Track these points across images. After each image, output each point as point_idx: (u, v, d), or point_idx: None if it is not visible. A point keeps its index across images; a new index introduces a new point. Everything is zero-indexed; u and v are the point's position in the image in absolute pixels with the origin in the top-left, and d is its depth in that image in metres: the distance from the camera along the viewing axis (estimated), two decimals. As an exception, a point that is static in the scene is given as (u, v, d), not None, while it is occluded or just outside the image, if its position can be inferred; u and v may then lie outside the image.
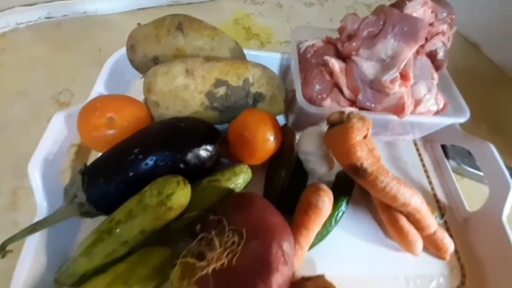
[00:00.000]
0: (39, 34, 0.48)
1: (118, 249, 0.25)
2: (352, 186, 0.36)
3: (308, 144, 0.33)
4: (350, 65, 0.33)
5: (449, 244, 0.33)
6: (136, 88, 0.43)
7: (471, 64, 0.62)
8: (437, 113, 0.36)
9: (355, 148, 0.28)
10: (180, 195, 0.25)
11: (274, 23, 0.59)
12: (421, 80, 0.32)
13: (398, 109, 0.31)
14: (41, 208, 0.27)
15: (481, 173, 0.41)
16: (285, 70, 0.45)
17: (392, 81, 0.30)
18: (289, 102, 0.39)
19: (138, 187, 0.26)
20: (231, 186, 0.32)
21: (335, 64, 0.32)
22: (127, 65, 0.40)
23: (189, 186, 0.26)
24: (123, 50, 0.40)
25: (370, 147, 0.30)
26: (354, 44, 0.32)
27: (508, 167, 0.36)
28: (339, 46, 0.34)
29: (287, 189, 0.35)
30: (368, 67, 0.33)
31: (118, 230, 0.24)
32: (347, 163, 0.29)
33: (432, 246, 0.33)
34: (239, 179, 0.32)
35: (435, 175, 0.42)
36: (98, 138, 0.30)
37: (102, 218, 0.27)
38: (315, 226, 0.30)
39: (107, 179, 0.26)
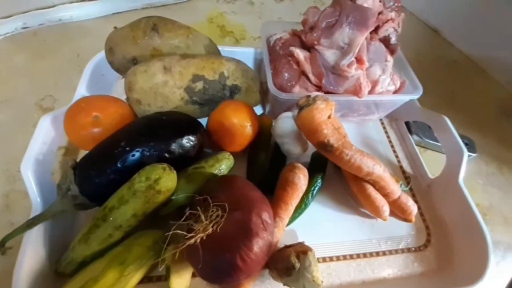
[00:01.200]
0: (17, 44, 0.48)
1: (113, 233, 0.27)
2: (326, 164, 0.39)
3: (282, 128, 0.36)
4: (313, 54, 0.37)
5: (412, 207, 0.37)
6: (117, 89, 0.45)
7: (431, 47, 0.67)
8: (395, 92, 0.40)
9: (321, 126, 0.32)
10: (167, 179, 0.27)
11: (247, 20, 0.62)
12: (375, 63, 0.36)
13: (357, 89, 0.35)
14: (36, 205, 0.29)
15: (437, 143, 0.45)
16: (259, 63, 0.48)
17: (349, 65, 0.34)
18: (264, 92, 0.43)
19: (127, 177, 0.28)
20: (215, 171, 0.35)
21: (300, 54, 0.35)
22: (106, 67, 0.42)
23: (174, 171, 0.29)
24: (101, 54, 0.42)
25: (335, 125, 0.34)
26: (315, 35, 0.36)
27: (462, 136, 0.41)
28: (303, 37, 0.37)
29: (268, 171, 0.38)
30: (329, 55, 0.37)
31: (112, 216, 0.26)
32: (316, 141, 0.33)
33: (398, 210, 0.37)
34: (222, 165, 0.35)
35: (401, 149, 0.47)
36: (85, 137, 0.32)
37: (95, 211, 0.30)
38: (293, 200, 0.34)
39: (97, 171, 0.28)
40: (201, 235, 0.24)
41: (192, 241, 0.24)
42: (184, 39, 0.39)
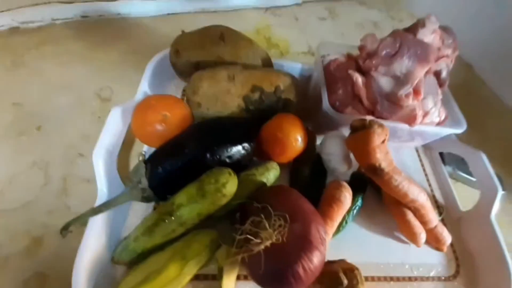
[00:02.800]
0: (76, 31, 0.51)
1: (177, 229, 0.28)
2: (366, 185, 0.41)
3: (331, 146, 0.37)
4: (369, 80, 0.38)
5: (447, 237, 0.38)
6: (171, 88, 0.47)
7: (464, 81, 0.69)
8: (438, 124, 0.42)
9: (375, 150, 0.33)
10: (232, 184, 0.29)
11: (291, 34, 0.64)
12: (429, 95, 0.38)
13: (410, 119, 0.36)
14: (102, 193, 0.30)
15: (472, 178, 0.47)
16: (306, 79, 0.50)
17: (407, 96, 0.35)
18: (310, 108, 0.44)
19: (191, 177, 0.30)
20: (264, 180, 0.36)
21: (359, 78, 0.37)
22: (164, 67, 0.44)
23: (236, 177, 0.30)
24: (162, 53, 0.44)
25: (386, 150, 0.36)
26: (374, 62, 0.37)
27: (495, 174, 0.43)
28: (360, 62, 0.39)
29: (309, 184, 0.40)
30: (384, 82, 0.38)
31: (178, 213, 0.28)
32: (367, 163, 0.34)
33: (433, 239, 0.38)
34: (270, 174, 0.37)
35: (434, 179, 0.48)
36: (151, 133, 0.33)
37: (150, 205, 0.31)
38: (338, 217, 0.35)
39: (167, 168, 0.30)
40: (268, 242, 0.25)
41: (259, 247, 0.25)
42: (245, 50, 0.41)
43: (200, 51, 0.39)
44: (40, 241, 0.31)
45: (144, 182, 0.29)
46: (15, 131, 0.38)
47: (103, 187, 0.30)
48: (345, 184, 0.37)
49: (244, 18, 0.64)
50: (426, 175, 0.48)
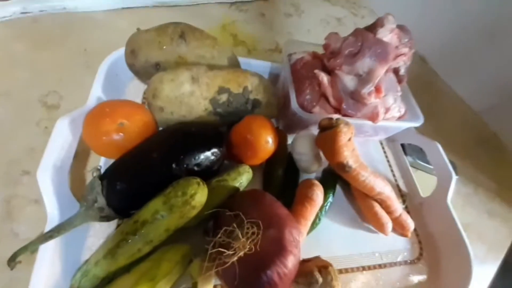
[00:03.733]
0: (15, 30, 0.44)
1: (143, 248, 0.26)
2: (336, 181, 0.42)
3: (302, 145, 0.38)
4: (334, 78, 0.39)
5: (411, 224, 0.41)
6: (130, 91, 0.43)
7: (418, 74, 0.74)
8: (399, 118, 0.44)
9: (342, 148, 0.34)
10: (201, 194, 0.27)
11: (258, 31, 0.63)
12: (389, 92, 0.39)
13: (373, 116, 0.38)
14: (52, 215, 0.27)
15: (430, 166, 0.51)
16: (274, 78, 0.49)
17: (369, 94, 0.36)
18: (279, 107, 0.44)
19: (156, 190, 0.28)
20: (237, 184, 0.35)
21: (325, 78, 0.37)
22: (121, 68, 0.40)
23: (206, 186, 0.29)
24: (117, 53, 0.40)
25: (352, 147, 0.37)
26: (338, 61, 0.38)
27: (450, 161, 0.47)
28: (325, 61, 0.40)
29: (282, 184, 0.40)
30: (348, 80, 0.39)
31: (143, 230, 0.26)
32: (335, 161, 0.35)
33: (398, 226, 0.41)
34: (243, 178, 0.36)
35: (397, 169, 0.51)
36: (108, 144, 0.30)
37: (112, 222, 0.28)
38: (311, 215, 0.35)
39: (127, 183, 0.27)
40: (241, 252, 0.25)
41: (233, 258, 0.24)
42: (210, 49, 0.39)
43: (159, 51, 0.36)
44: (-18, 276, 0.27)
45: (101, 201, 0.26)
46: None
47: (53, 209, 0.27)
48: (316, 182, 0.37)
49: (207, 14, 0.61)
50: (390, 166, 0.51)
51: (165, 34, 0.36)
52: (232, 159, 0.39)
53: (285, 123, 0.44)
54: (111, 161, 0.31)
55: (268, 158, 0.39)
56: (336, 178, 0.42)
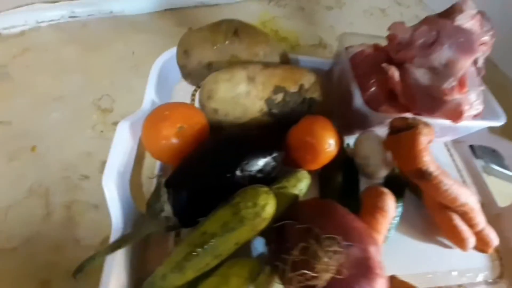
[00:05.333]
0: (64, 34, 0.45)
1: (211, 262, 0.24)
2: (404, 190, 0.37)
3: (369, 148, 0.34)
4: (403, 73, 0.34)
5: (494, 239, 0.35)
6: (178, 93, 0.42)
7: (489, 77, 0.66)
8: (475, 117, 0.39)
9: (422, 153, 0.30)
10: (272, 205, 0.25)
11: (299, 26, 0.60)
12: (472, 88, 0.34)
13: (455, 114, 0.33)
14: (117, 224, 0.26)
15: (508, 172, 0.44)
16: (325, 74, 0.46)
17: (451, 89, 0.32)
18: (334, 107, 0.40)
19: (219, 198, 0.26)
20: (297, 192, 0.32)
21: (396, 72, 0.33)
22: (169, 69, 0.39)
23: (274, 195, 0.26)
24: (167, 54, 0.39)
25: (432, 154, 0.32)
26: (410, 53, 0.34)
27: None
28: (392, 54, 0.35)
29: (342, 193, 0.36)
30: (420, 75, 0.35)
31: (213, 243, 0.23)
32: (413, 167, 0.31)
33: (480, 241, 0.35)
34: (303, 185, 0.33)
35: (467, 174, 0.45)
36: (167, 148, 0.29)
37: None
38: (384, 229, 0.31)
39: (193, 191, 0.25)
40: (327, 275, 0.22)
41: (317, 283, 0.21)
42: (263, 46, 0.36)
43: (211, 51, 0.35)
44: (48, 284, 0.27)
45: (168, 210, 0.24)
46: (5, 155, 0.33)
47: (118, 217, 0.26)
48: (387, 191, 0.33)
49: (246, 11, 0.59)
50: (458, 170, 0.45)
51: (219, 32, 0.34)
52: (287, 164, 0.36)
53: (343, 124, 0.40)
54: (167, 166, 0.29)
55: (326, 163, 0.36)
56: (403, 185, 0.38)
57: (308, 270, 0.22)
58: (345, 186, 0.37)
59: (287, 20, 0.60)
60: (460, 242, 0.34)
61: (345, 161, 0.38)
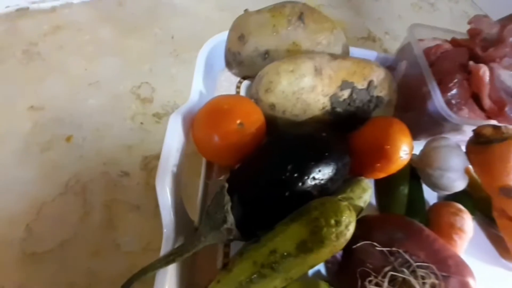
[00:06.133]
0: (99, 12, 0.41)
1: (279, 285, 0.21)
2: (473, 207, 0.33)
3: (449, 158, 0.29)
4: (491, 73, 0.30)
5: None
6: (222, 84, 0.38)
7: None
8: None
9: None
10: (354, 223, 0.21)
11: (345, 16, 0.55)
12: None
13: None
14: (169, 232, 0.22)
15: None
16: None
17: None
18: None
19: (285, 210, 0.22)
20: (362, 204, 0.28)
21: (486, 72, 0.29)
22: (214, 57, 0.35)
23: (354, 211, 0.22)
24: (214, 40, 0.35)
25: None
26: (501, 51, 0.29)
27: None
28: (478, 51, 0.31)
29: (409, 207, 0.32)
30: (508, 77, 0.30)
31: (285, 265, 0.20)
32: (500, 184, 0.26)
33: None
34: (367, 196, 0.29)
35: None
36: (223, 147, 0.25)
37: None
38: (462, 251, 0.27)
39: (257, 201, 0.22)
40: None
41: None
42: (328, 34, 0.32)
43: (271, 37, 0.30)
44: (88, 295, 0.24)
45: (231, 221, 0.21)
46: (38, 144, 0.29)
47: (170, 227, 0.22)
48: (463, 208, 0.29)
49: (290, -3, 0.54)
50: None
51: (282, 15, 0.30)
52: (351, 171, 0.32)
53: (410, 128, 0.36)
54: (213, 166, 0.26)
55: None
56: (471, 202, 0.33)
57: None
58: (411, 200, 0.32)
59: (333, 10, 0.55)
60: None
61: (411, 172, 0.34)
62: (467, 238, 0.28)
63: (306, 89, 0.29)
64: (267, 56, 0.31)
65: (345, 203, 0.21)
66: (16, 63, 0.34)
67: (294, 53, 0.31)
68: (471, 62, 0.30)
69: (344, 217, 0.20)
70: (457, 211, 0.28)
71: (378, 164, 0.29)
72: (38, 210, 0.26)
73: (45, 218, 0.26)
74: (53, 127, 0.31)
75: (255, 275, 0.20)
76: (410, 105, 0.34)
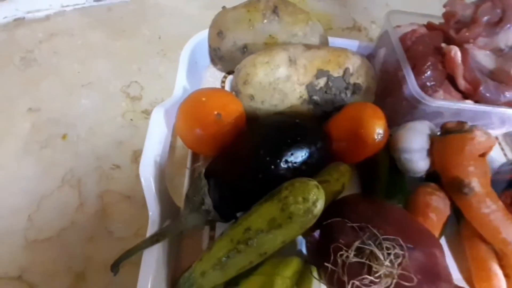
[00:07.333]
0: (90, 18, 0.43)
1: (255, 260, 0.22)
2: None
3: (404, 140, 0.30)
4: (464, 54, 0.30)
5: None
6: (208, 80, 0.39)
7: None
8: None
9: (468, 162, 0.26)
10: (322, 201, 0.22)
11: (331, 7, 0.56)
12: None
13: (527, 102, 0.29)
14: (154, 216, 0.24)
15: None
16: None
17: (523, 72, 0.27)
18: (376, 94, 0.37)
19: (261, 192, 0.23)
20: (339, 187, 0.29)
21: (458, 53, 0.29)
22: (199, 53, 0.37)
23: (323, 190, 0.23)
24: (197, 37, 0.36)
25: (485, 169, 0.27)
26: (474, 32, 0.29)
27: None
28: (452, 33, 0.31)
29: (389, 190, 0.33)
30: (483, 57, 0.30)
31: (258, 241, 0.21)
32: (451, 175, 0.27)
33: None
34: (345, 179, 0.30)
35: (523, 171, 0.41)
36: (203, 137, 0.27)
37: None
38: (438, 230, 0.28)
39: (235, 184, 0.23)
40: (390, 282, 0.19)
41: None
42: (303, 25, 0.33)
43: (248, 31, 0.32)
44: (83, 277, 0.26)
45: (209, 203, 0.23)
46: (36, 143, 0.32)
47: (155, 210, 0.24)
48: (438, 187, 0.30)
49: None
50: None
51: (256, 10, 0.31)
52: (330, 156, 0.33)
53: (385, 114, 0.37)
54: (201, 157, 0.27)
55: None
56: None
57: (364, 274, 0.20)
58: (392, 183, 0.33)
59: (318, 2, 0.56)
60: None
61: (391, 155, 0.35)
62: (444, 216, 0.28)
63: (282, 79, 0.30)
64: (246, 50, 0.33)
65: (314, 182, 0.23)
66: (15, 70, 0.36)
67: (271, 45, 0.33)
68: (443, 44, 0.30)
69: (311, 195, 0.21)
70: (433, 191, 0.29)
71: (354, 148, 0.30)
72: (38, 202, 0.29)
73: (44, 209, 0.28)
74: (50, 126, 0.33)
75: (232, 252, 0.22)
76: (389, 91, 0.35)
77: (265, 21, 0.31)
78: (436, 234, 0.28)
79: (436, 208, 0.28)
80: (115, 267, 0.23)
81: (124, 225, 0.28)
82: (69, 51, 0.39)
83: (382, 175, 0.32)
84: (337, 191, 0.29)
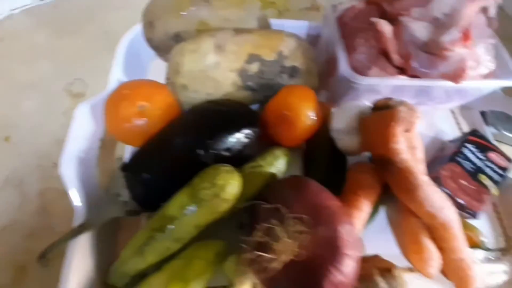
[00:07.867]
0: (36, 19, 0.43)
1: (172, 246, 0.23)
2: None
3: (342, 120, 0.30)
4: (398, 28, 0.29)
5: (474, 279, 0.26)
6: (153, 71, 0.39)
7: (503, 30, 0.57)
8: (485, 77, 0.33)
9: (393, 138, 0.25)
10: (233, 185, 0.23)
11: (289, -12, 0.54)
12: (479, 40, 0.29)
13: (457, 73, 0.28)
14: (78, 210, 0.25)
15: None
16: (313, 40, 0.41)
17: (452, 42, 0.27)
18: (320, 75, 0.36)
19: (183, 180, 0.24)
20: (274, 170, 0.30)
21: (385, 26, 0.28)
22: (141, 45, 0.36)
23: (238, 174, 0.24)
24: (136, 29, 0.36)
25: (411, 144, 0.27)
26: (405, 2, 0.28)
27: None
28: (385, 6, 0.30)
29: (329, 170, 0.33)
30: (419, 29, 0.29)
31: (171, 227, 0.22)
32: (377, 152, 0.27)
33: (454, 275, 0.26)
34: (280, 163, 0.30)
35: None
36: (129, 130, 0.27)
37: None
38: (366, 206, 0.28)
39: (151, 175, 0.24)
40: (285, 257, 0.20)
41: (275, 264, 0.20)
42: (236, 10, 0.32)
43: (177, 19, 0.31)
44: (25, 270, 0.27)
45: (125, 194, 0.23)
46: (-21, 146, 0.33)
47: (79, 203, 0.25)
48: (370, 165, 0.30)
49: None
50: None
51: (183, -4, 0.31)
52: (268, 141, 0.33)
53: (330, 94, 0.36)
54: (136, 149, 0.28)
55: (309, 138, 0.32)
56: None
57: (268, 253, 0.20)
58: (332, 164, 0.34)
59: (275, -17, 0.54)
60: (418, 262, 0.26)
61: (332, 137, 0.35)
62: (373, 193, 0.28)
63: (211, 67, 0.30)
64: (179, 39, 0.32)
65: (225, 168, 0.23)
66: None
67: (204, 32, 0.32)
68: (372, 19, 0.30)
69: (218, 180, 0.22)
70: (364, 169, 0.29)
71: (286, 132, 0.30)
72: (-18, 202, 0.30)
73: (-11, 209, 0.30)
74: (-7, 129, 0.34)
75: (148, 239, 0.23)
76: (331, 72, 0.34)
77: (194, 7, 0.31)
78: (364, 209, 0.28)
79: (365, 185, 0.28)
80: (42, 258, 0.24)
81: (65, 220, 0.29)
82: (16, 54, 0.39)
83: (320, 156, 0.32)
84: (271, 175, 0.29)
